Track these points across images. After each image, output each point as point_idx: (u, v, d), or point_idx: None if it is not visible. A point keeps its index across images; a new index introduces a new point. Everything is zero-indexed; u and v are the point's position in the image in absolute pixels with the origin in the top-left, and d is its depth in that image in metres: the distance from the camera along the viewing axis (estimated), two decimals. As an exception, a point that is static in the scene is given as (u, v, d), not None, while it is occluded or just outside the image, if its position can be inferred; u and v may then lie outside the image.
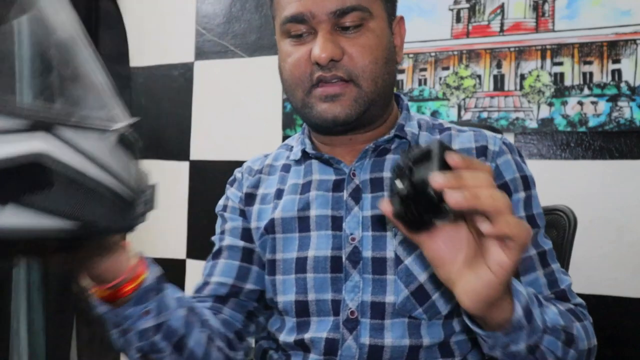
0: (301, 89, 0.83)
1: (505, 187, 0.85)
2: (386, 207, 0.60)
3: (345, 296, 0.83)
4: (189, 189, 2.06)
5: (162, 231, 2.08)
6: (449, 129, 0.92)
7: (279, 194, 0.92)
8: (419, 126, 0.92)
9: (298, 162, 0.94)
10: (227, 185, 1.01)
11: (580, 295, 0.85)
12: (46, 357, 1.98)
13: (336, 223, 0.86)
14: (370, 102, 0.83)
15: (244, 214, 0.95)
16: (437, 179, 0.54)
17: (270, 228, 0.90)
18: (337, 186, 0.88)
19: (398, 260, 0.82)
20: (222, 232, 0.96)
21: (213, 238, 0.98)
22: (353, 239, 0.84)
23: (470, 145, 0.88)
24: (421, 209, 0.57)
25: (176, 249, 2.07)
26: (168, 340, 0.76)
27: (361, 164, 0.88)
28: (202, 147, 2.05)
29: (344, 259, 0.84)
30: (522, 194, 0.86)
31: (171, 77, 2.10)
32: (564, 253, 1.05)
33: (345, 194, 0.87)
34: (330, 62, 0.80)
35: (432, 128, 0.92)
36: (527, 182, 0.87)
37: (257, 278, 0.93)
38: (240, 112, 1.99)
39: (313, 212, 0.87)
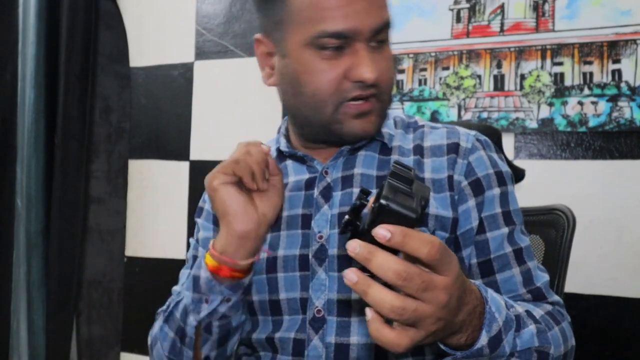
0: (332, 105, 0.81)
1: (477, 184, 0.85)
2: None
3: (312, 294, 0.83)
4: (189, 189, 2.05)
5: (162, 231, 2.08)
6: (422, 126, 0.92)
7: None
8: (395, 124, 0.92)
9: None
10: None
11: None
12: (46, 357, 1.98)
13: (306, 221, 0.86)
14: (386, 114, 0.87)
15: (217, 220, 0.95)
16: (351, 246, 0.52)
17: None
18: (309, 184, 0.89)
19: None
20: (197, 241, 0.97)
21: (191, 240, 0.99)
22: (320, 237, 0.84)
23: (442, 142, 0.88)
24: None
25: (176, 249, 2.06)
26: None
27: (334, 163, 0.89)
28: (202, 147, 2.05)
29: (310, 257, 0.84)
30: (497, 190, 0.86)
31: (171, 77, 2.09)
32: (563, 253, 1.05)
33: (315, 192, 0.87)
34: None
35: (407, 126, 0.93)
36: (503, 178, 0.87)
37: None
38: (240, 112, 1.99)
39: (285, 212, 0.88)
